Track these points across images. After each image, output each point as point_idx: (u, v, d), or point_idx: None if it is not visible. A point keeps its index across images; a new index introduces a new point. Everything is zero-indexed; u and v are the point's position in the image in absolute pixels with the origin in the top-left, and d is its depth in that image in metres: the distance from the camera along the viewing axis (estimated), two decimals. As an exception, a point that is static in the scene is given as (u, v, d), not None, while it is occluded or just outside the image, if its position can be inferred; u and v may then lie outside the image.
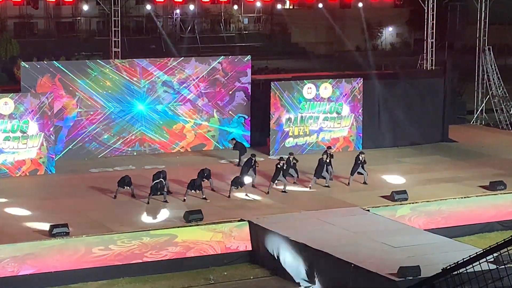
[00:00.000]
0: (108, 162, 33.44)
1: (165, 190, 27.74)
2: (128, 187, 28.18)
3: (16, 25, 75.50)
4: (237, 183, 28.38)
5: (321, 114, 35.70)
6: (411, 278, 20.32)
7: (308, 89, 35.41)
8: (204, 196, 27.93)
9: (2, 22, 72.36)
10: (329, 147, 32.14)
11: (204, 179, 28.49)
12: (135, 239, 24.11)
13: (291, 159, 30.13)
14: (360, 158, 30.33)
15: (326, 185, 29.83)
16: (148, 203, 27.43)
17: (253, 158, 29.85)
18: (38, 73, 33.11)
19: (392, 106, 37.32)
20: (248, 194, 28.46)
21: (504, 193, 29.25)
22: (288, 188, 29.26)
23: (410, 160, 34.80)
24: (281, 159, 29.59)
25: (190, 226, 25.06)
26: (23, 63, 33.62)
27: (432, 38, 40.93)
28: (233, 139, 34.19)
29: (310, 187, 29.73)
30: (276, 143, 34.97)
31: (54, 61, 35.66)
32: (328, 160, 30.02)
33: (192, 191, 27.93)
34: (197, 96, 35.74)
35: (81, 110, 33.90)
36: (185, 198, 27.83)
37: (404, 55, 74.69)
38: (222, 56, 37.58)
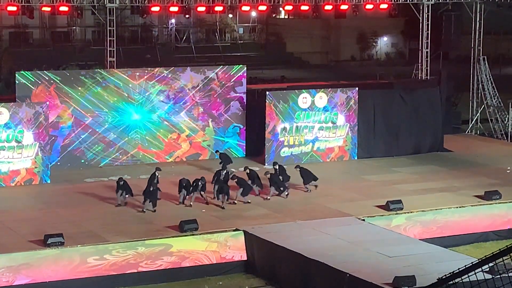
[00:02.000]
0: (103, 171, 33.39)
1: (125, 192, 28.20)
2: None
3: (11, 35, 75.61)
4: (223, 192, 28.37)
5: (316, 123, 35.71)
6: (406, 288, 20.36)
7: (303, 99, 35.44)
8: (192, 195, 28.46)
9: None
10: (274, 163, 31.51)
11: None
12: (130, 249, 24.07)
13: (276, 168, 30.24)
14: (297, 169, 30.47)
15: (268, 198, 29.41)
16: (143, 211, 27.45)
17: (229, 172, 29.94)
18: (33, 83, 33.08)
19: (387, 116, 37.35)
20: (235, 202, 28.62)
21: (499, 203, 29.24)
22: (275, 197, 29.33)
23: (405, 170, 34.78)
24: (245, 168, 29.87)
25: (185, 236, 25.02)
26: (18, 74, 33.57)
27: (427, 48, 41.03)
28: (217, 151, 34.03)
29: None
30: (271, 153, 34.96)
31: (46, 71, 35.47)
32: (273, 173, 29.85)
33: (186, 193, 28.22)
34: (192, 106, 35.74)
35: (76, 120, 33.87)
36: (183, 202, 28.26)
37: (399, 65, 74.88)
38: (220, 66, 37.61)
